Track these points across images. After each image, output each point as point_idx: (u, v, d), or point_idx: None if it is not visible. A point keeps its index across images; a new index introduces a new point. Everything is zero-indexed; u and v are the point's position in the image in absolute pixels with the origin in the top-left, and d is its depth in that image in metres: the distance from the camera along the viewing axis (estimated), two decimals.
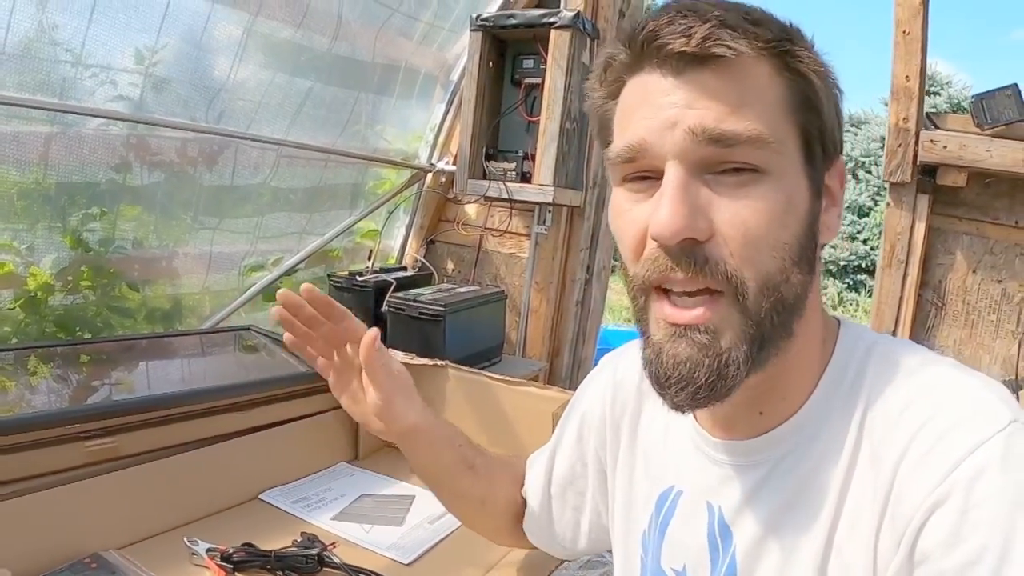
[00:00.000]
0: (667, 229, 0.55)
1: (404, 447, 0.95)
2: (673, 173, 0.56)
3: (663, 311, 0.59)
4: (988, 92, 1.70)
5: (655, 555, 0.75)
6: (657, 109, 0.57)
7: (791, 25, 0.59)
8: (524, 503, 0.98)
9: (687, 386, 0.58)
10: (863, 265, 10.12)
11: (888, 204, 1.90)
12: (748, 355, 0.57)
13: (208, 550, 1.04)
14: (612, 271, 2.82)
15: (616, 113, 0.63)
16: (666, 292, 0.59)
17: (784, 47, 0.57)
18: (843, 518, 0.59)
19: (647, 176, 0.59)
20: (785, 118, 0.57)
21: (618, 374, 0.86)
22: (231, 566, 1.01)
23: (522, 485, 0.99)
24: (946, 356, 0.62)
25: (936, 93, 10.03)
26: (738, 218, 0.55)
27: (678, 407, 0.60)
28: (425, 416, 0.93)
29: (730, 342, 0.57)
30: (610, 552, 0.87)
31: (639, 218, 0.59)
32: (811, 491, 0.61)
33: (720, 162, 0.56)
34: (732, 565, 0.65)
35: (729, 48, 0.54)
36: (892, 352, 0.62)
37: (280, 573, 1.02)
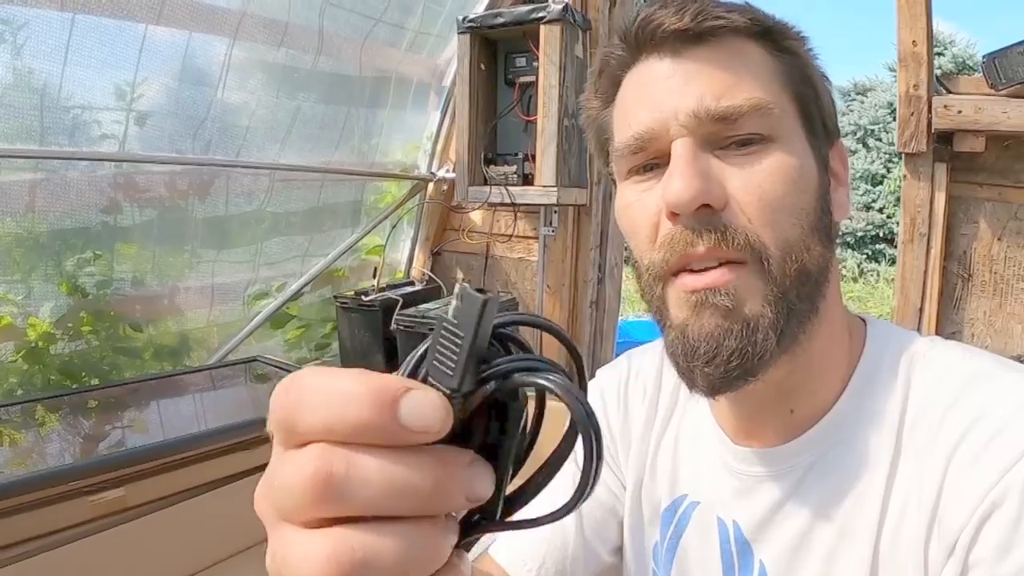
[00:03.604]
0: (683, 195, 0.53)
1: None
2: (681, 147, 0.55)
3: (683, 283, 0.55)
4: (1000, 51, 1.62)
5: (666, 570, 0.70)
6: (660, 94, 0.57)
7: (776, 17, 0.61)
8: None
9: (716, 357, 0.54)
10: (880, 234, 9.98)
11: (904, 176, 1.81)
12: (776, 322, 0.53)
13: None
14: (626, 262, 2.76)
15: (615, 113, 0.62)
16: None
17: (774, 27, 0.59)
18: (887, 527, 0.54)
19: (654, 165, 0.58)
20: (782, 90, 0.57)
21: (633, 367, 0.80)
22: None
23: None
24: (977, 327, 0.59)
25: (940, 54, 9.87)
26: (752, 183, 0.54)
27: (711, 386, 0.56)
28: None
29: (755, 308, 0.54)
30: None
31: (650, 203, 0.58)
32: (848, 499, 0.57)
33: (725, 137, 0.55)
34: None
35: (723, 18, 0.55)
36: (929, 348, 0.59)
37: None
